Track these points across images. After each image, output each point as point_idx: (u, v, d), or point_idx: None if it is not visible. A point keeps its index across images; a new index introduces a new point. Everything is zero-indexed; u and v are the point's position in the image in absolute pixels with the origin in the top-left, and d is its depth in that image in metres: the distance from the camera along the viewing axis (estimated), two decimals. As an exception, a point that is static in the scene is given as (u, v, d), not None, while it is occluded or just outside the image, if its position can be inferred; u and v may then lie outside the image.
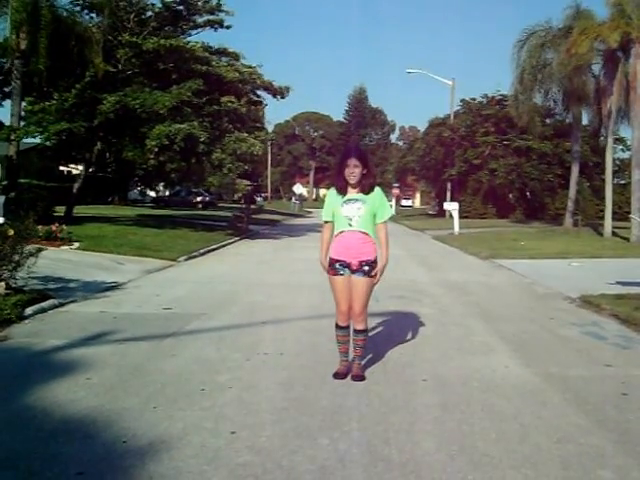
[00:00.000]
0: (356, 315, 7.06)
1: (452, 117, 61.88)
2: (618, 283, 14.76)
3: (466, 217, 49.35)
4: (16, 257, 10.92)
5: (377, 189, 7.13)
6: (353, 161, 6.92)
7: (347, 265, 6.98)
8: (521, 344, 9.25)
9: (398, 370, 7.55)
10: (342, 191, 7.05)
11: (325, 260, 7.16)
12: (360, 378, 7.08)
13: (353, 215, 6.93)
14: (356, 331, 7.16)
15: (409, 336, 9.41)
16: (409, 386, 6.97)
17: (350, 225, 6.95)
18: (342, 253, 6.98)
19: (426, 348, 8.77)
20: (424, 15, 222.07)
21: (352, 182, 6.96)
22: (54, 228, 19.60)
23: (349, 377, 7.10)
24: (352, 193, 7.02)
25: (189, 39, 31.55)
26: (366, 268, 6.95)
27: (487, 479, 4.70)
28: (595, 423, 5.94)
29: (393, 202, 79.57)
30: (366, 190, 7.00)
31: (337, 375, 7.13)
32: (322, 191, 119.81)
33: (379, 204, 7.10)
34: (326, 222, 7.26)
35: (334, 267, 7.04)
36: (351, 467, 4.87)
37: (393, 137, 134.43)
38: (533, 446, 5.35)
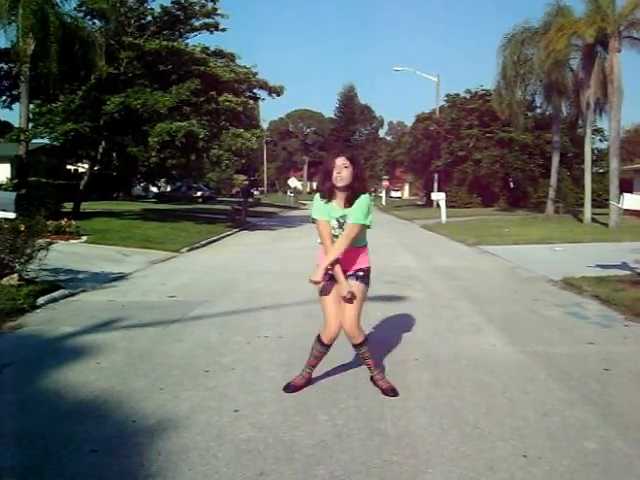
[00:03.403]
0: (349, 327, 5.88)
1: (438, 112, 61.98)
2: (598, 266, 14.77)
3: (452, 207, 49.42)
4: (28, 250, 10.96)
5: (363, 197, 5.81)
6: (341, 160, 5.75)
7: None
8: (507, 324, 9.26)
9: (391, 350, 7.54)
10: (328, 196, 5.86)
11: (323, 265, 5.80)
12: (393, 392, 5.95)
13: (339, 232, 5.81)
14: (355, 346, 6.05)
15: (401, 318, 9.40)
16: (402, 365, 6.97)
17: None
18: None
19: (417, 329, 8.77)
20: (410, 15, 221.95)
21: (339, 185, 5.74)
22: (63, 223, 19.60)
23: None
24: (339, 205, 5.83)
25: (187, 42, 31.58)
26: (360, 274, 5.93)
27: (478, 450, 4.71)
28: (579, 397, 5.95)
29: (383, 193, 79.78)
30: (351, 199, 5.79)
31: (289, 387, 6.07)
32: (315, 184, 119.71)
33: (355, 209, 5.78)
34: (315, 220, 5.96)
35: (327, 274, 5.91)
36: (349, 441, 4.88)
37: (382, 132, 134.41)
38: (521, 419, 5.37)
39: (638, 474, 4.38)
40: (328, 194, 5.87)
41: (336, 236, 5.84)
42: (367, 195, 5.89)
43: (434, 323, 9.30)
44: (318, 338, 6.10)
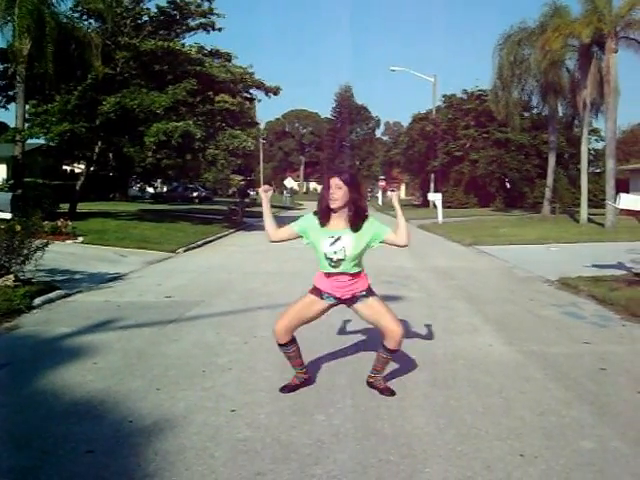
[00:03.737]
0: (399, 335, 5.72)
1: (434, 112, 62.07)
2: (594, 266, 14.79)
3: (449, 207, 49.43)
4: (24, 251, 10.96)
5: (371, 219, 5.80)
6: (335, 181, 5.60)
7: (336, 299, 5.83)
8: (504, 324, 9.27)
9: (388, 350, 7.54)
10: (323, 219, 5.75)
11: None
12: (389, 392, 5.98)
13: (336, 255, 5.66)
14: (390, 350, 5.85)
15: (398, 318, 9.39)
16: (399, 365, 6.97)
17: (332, 267, 5.70)
18: (330, 289, 5.78)
19: (414, 329, 8.76)
20: (407, 15, 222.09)
21: (333, 206, 5.62)
22: (59, 223, 19.56)
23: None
24: (336, 225, 5.73)
25: (183, 42, 31.59)
26: (363, 294, 5.82)
27: (475, 450, 4.72)
28: (576, 397, 5.96)
29: (380, 194, 79.73)
30: (355, 223, 5.70)
31: (285, 388, 6.05)
32: (312, 184, 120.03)
33: (376, 229, 5.83)
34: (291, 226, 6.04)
35: (319, 293, 5.83)
36: (346, 441, 4.88)
37: (378, 132, 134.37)
38: (517, 419, 5.38)
39: (634, 473, 4.39)
40: (323, 215, 5.75)
41: (328, 258, 5.69)
42: (373, 218, 5.82)
43: (431, 323, 9.29)
44: (277, 343, 5.96)
